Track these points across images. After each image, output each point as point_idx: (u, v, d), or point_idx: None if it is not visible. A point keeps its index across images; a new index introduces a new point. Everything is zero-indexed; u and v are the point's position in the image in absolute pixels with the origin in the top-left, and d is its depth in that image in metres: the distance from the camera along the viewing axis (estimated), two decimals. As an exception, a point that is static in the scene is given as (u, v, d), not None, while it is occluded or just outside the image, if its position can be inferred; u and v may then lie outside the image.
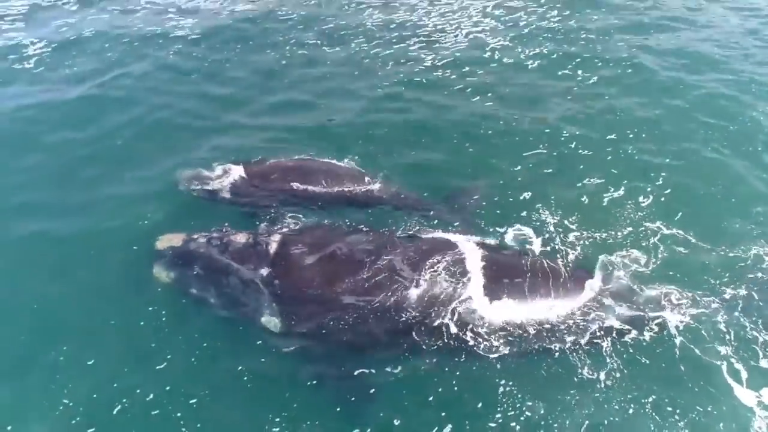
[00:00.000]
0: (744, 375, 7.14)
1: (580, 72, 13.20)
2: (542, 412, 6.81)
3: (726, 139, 11.23)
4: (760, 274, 8.35)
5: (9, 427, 6.47)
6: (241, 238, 8.45)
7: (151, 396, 6.77)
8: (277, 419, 6.69)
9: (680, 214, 9.39)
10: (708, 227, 9.10)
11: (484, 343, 7.44)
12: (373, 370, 7.30)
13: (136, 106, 11.90)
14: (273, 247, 8.20)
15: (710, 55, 14.36)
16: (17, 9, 15.51)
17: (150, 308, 7.73)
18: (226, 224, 8.66)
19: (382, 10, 16.30)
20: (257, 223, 8.86)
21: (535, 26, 15.24)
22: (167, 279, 8.08)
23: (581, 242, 8.91)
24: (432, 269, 8.04)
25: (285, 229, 8.82)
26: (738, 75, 13.51)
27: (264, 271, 8.06)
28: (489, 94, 12.43)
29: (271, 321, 7.67)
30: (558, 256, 8.48)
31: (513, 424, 6.67)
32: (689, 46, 14.84)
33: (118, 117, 11.39)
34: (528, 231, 9.03)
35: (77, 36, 14.21)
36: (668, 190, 9.90)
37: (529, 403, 6.87)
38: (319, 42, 14.71)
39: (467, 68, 13.37)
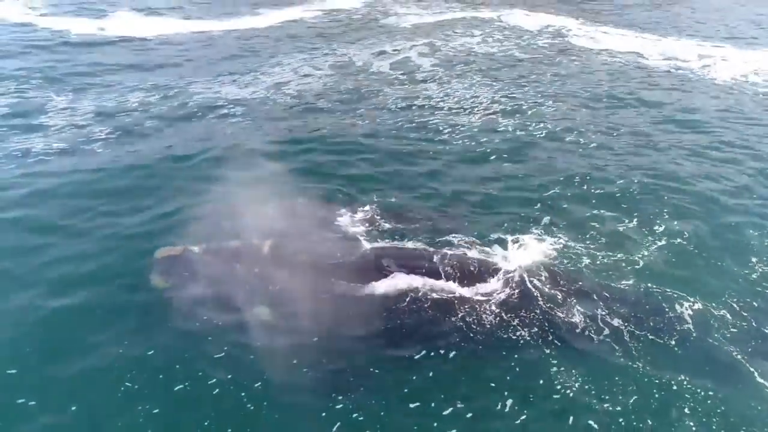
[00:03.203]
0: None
1: (580, 140, 15.41)
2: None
3: (730, 182, 13.41)
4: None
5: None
6: (234, 244, 9.86)
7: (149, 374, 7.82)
8: (261, 404, 7.49)
9: (686, 234, 11.11)
10: (714, 251, 10.89)
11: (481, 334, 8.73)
12: (356, 359, 8.26)
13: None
14: (264, 250, 9.64)
15: (700, 119, 17.27)
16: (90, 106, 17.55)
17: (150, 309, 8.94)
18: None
19: (403, 97, 18.65)
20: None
21: (536, 110, 17.72)
22: (165, 284, 9.27)
23: (601, 259, 10.34)
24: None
25: (276, 237, 10.21)
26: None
27: (256, 268, 9.42)
28: (505, 155, 14.49)
29: (262, 311, 8.84)
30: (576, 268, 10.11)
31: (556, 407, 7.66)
32: (678, 113, 17.57)
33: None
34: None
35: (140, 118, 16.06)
36: (676, 221, 11.76)
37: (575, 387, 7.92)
38: (349, 115, 17.03)
39: (484, 138, 15.52)
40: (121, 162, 13.55)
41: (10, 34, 23.55)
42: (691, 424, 7.31)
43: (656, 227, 11.40)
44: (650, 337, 8.65)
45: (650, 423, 7.32)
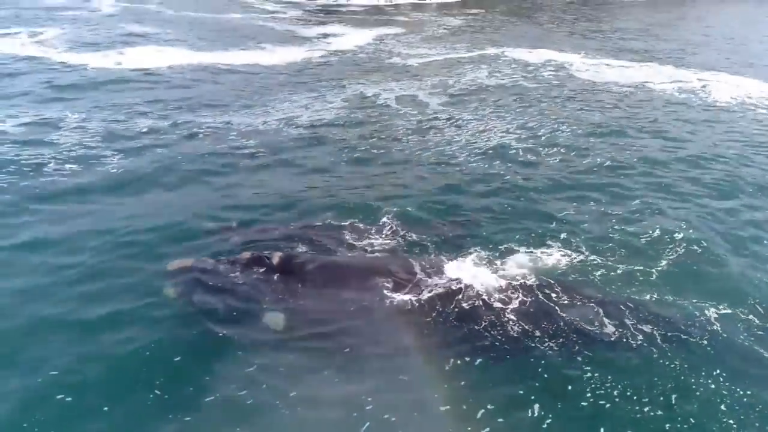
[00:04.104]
0: None
1: (595, 161, 15.73)
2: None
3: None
4: None
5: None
6: (245, 255, 10.04)
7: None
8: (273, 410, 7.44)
9: (704, 245, 11.36)
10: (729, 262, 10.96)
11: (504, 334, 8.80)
12: (368, 364, 8.26)
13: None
14: (276, 260, 9.79)
15: (708, 138, 17.63)
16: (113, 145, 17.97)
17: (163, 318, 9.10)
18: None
19: (416, 128, 19.00)
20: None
21: (550, 135, 18.07)
22: (175, 295, 9.42)
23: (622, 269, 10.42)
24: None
25: (287, 250, 10.46)
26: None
27: (268, 278, 9.56)
28: (520, 176, 14.71)
29: (275, 319, 8.92)
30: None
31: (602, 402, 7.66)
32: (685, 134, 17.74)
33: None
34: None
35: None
36: (693, 233, 11.91)
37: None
38: (364, 144, 17.43)
39: (498, 161, 15.77)
40: (134, 190, 13.84)
41: (28, 69, 24.23)
42: (731, 422, 7.23)
43: (674, 240, 11.44)
44: (683, 338, 8.63)
45: (692, 422, 7.24)
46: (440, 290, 9.49)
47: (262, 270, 9.72)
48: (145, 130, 17.69)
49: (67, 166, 14.77)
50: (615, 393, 7.70)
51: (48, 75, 23.11)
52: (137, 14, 41.29)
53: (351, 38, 38.35)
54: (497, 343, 8.58)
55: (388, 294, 9.37)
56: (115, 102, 20.15)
